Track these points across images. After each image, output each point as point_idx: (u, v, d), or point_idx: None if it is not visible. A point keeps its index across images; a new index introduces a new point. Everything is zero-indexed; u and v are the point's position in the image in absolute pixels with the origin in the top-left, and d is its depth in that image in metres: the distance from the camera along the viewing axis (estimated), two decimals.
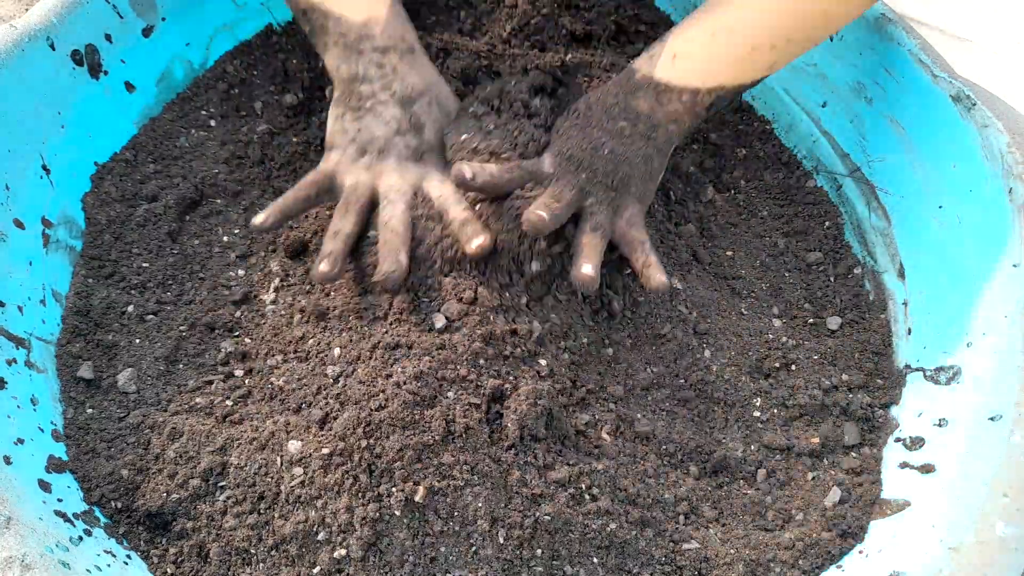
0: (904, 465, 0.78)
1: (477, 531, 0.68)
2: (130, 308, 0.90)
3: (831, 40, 1.06)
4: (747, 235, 1.06)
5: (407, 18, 0.93)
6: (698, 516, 0.77)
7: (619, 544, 0.71)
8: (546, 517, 0.69)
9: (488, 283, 0.81)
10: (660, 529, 0.73)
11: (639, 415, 0.82)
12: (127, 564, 0.70)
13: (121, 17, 1.00)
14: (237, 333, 0.90)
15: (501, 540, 0.68)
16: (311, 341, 0.83)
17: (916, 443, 0.79)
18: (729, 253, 1.04)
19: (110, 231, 0.95)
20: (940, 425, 0.77)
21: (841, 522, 0.76)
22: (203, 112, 1.12)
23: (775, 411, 0.87)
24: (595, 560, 0.70)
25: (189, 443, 0.76)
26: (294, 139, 1.14)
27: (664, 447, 0.81)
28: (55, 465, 0.74)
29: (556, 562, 0.70)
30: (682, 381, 0.87)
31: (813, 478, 0.82)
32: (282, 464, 0.73)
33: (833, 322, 0.95)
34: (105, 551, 0.69)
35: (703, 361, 0.88)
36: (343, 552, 0.67)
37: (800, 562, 0.73)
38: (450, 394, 0.73)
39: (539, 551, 0.69)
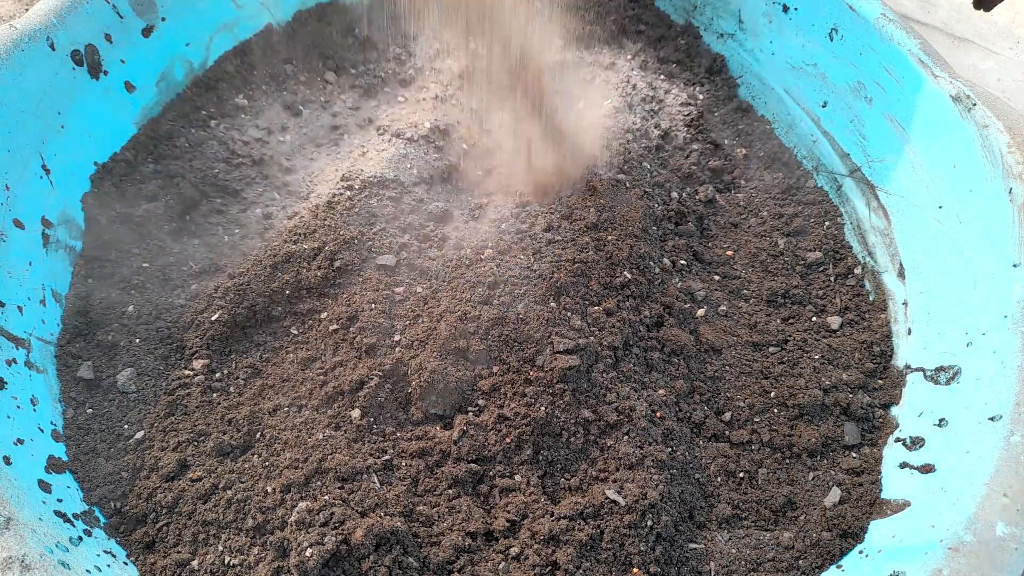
0: (904, 465, 0.78)
1: None
2: (130, 308, 0.90)
3: (831, 40, 1.06)
4: (747, 235, 1.06)
5: None
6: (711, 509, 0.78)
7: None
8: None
9: None
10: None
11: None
12: (127, 564, 0.70)
13: (121, 17, 1.00)
14: None
15: None
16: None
17: (916, 443, 0.79)
18: (730, 253, 1.04)
19: (110, 231, 0.95)
20: (940, 425, 0.77)
21: (841, 522, 0.76)
22: (203, 112, 1.12)
23: (775, 411, 0.87)
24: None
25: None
26: (293, 136, 1.14)
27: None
28: (55, 465, 0.74)
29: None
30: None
31: (813, 478, 0.82)
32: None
33: (833, 322, 0.95)
34: (105, 551, 0.69)
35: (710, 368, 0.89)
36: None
37: (800, 562, 0.73)
38: None
39: None
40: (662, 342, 0.90)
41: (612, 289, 0.91)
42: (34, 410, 0.76)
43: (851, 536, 0.75)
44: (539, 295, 0.88)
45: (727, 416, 0.87)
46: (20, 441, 0.72)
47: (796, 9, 1.11)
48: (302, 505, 0.70)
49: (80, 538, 0.68)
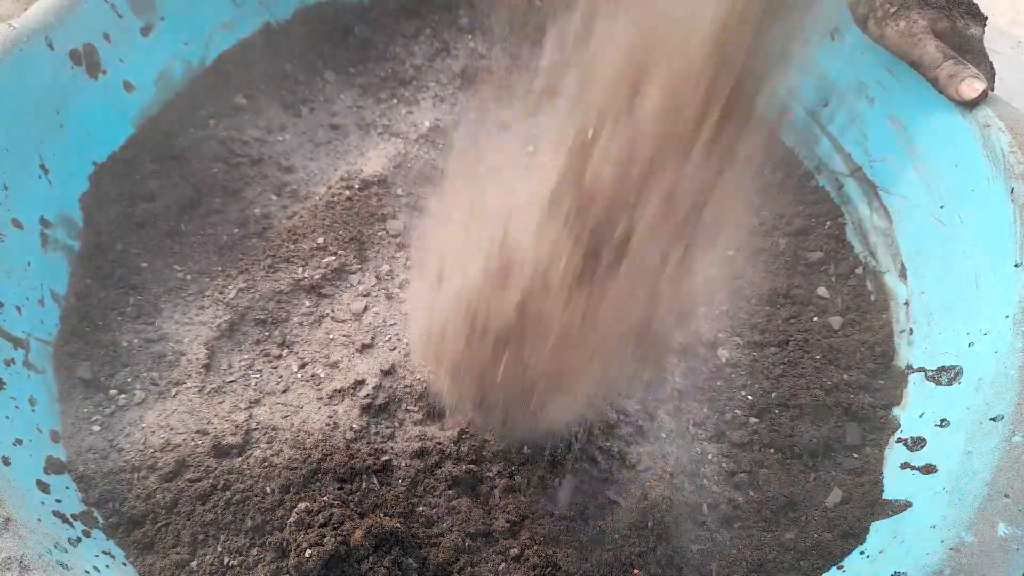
0: (905, 466, 0.77)
1: None
2: (128, 308, 0.90)
3: (832, 39, 1.05)
4: (749, 234, 1.06)
5: None
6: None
7: None
8: None
9: None
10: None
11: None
12: (126, 565, 0.70)
13: (120, 16, 0.99)
14: None
15: None
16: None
17: (917, 443, 0.78)
18: (730, 253, 1.04)
19: (108, 231, 0.95)
20: (941, 426, 0.77)
21: (842, 523, 0.76)
22: (202, 111, 1.11)
23: (776, 411, 0.87)
24: None
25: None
26: (292, 136, 1.14)
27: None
28: (54, 466, 0.74)
29: None
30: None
31: (814, 479, 0.81)
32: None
33: (835, 322, 0.95)
34: (104, 552, 0.69)
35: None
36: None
37: (801, 563, 0.73)
38: None
39: None
40: None
41: None
42: (33, 410, 0.76)
43: (852, 537, 0.75)
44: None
45: (727, 416, 0.86)
46: (19, 442, 0.72)
47: None
48: (301, 506, 0.70)
49: (79, 539, 0.68)
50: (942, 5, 0.84)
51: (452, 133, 1.13)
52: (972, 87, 0.81)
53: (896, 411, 0.85)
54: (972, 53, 0.84)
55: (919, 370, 0.85)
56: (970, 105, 0.83)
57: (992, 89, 0.84)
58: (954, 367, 0.79)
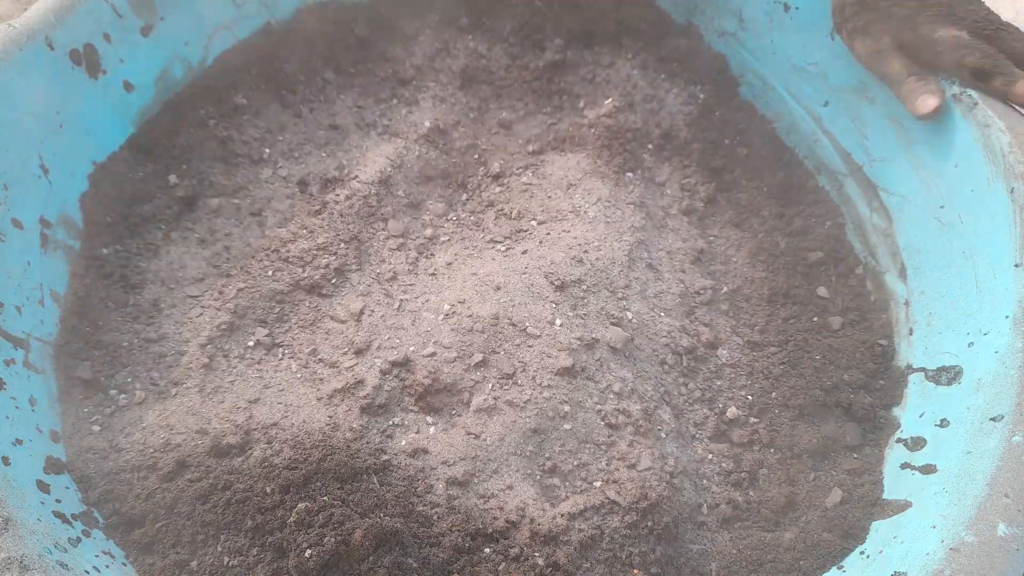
0: (905, 466, 0.77)
1: None
2: (128, 308, 0.90)
3: (832, 39, 1.05)
4: (748, 234, 1.06)
5: None
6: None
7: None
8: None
9: None
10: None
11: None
12: (125, 565, 0.70)
13: (120, 16, 0.99)
14: None
15: None
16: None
17: (917, 443, 0.78)
18: (731, 252, 1.04)
19: (108, 231, 0.95)
20: (941, 426, 0.77)
21: (842, 523, 0.76)
22: (201, 111, 1.11)
23: (776, 411, 0.87)
24: None
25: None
26: (292, 136, 1.14)
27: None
28: (54, 466, 0.74)
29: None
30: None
31: (814, 479, 0.81)
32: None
33: (834, 322, 0.95)
34: (104, 552, 0.69)
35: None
36: None
37: (801, 563, 0.73)
38: None
39: None
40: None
41: None
42: (33, 410, 0.76)
43: (852, 537, 0.75)
44: (540, 294, 0.87)
45: (727, 416, 0.86)
46: (19, 441, 0.72)
47: (798, 8, 1.11)
48: (301, 506, 0.70)
49: (79, 539, 0.68)
50: (907, 15, 0.84)
51: (452, 133, 1.13)
52: (925, 103, 0.84)
53: (896, 411, 0.85)
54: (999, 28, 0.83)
55: (919, 370, 0.85)
56: (923, 120, 0.86)
57: None
58: (954, 367, 0.79)
